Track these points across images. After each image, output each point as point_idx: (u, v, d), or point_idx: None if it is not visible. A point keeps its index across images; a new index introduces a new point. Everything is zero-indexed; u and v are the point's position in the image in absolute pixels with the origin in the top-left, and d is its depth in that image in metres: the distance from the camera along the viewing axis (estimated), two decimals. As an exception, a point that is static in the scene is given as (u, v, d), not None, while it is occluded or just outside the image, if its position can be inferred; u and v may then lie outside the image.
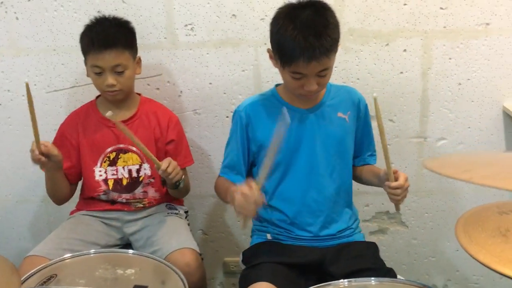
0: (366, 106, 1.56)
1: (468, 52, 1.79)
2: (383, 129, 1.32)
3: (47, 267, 1.30)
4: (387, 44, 1.80)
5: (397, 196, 1.36)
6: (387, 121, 1.88)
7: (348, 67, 1.83)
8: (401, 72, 1.83)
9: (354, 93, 1.55)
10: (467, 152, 1.66)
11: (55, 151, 1.52)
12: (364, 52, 1.81)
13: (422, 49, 1.79)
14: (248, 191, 1.25)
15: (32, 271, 1.27)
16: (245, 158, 1.52)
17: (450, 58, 1.80)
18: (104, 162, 1.70)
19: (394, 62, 1.81)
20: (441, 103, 1.85)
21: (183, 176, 1.64)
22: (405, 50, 1.80)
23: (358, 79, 1.84)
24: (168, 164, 1.52)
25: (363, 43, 1.80)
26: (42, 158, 1.50)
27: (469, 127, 1.87)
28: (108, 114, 1.43)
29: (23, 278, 1.23)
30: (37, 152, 1.48)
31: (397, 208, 1.43)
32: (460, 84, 1.82)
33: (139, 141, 1.46)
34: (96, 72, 1.60)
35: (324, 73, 1.36)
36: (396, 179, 1.36)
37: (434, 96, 1.84)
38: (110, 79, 1.59)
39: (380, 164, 1.60)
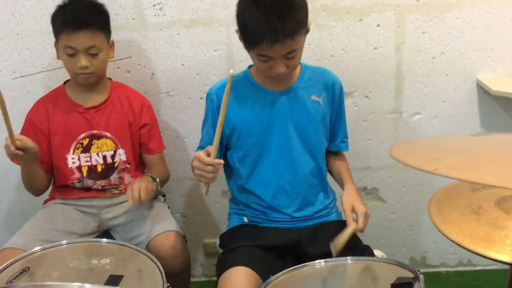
0: (341, 89, 1.54)
1: (441, 25, 1.77)
2: None
3: (18, 260, 1.27)
4: (360, 20, 1.77)
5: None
6: (363, 97, 1.87)
7: (322, 44, 1.80)
8: (375, 48, 1.81)
9: (330, 75, 1.53)
10: (436, 137, 1.65)
11: (31, 143, 1.48)
12: (337, 28, 1.78)
13: (395, 23, 1.77)
14: (202, 155, 1.26)
15: (4, 265, 1.24)
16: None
17: (423, 32, 1.79)
18: (77, 149, 1.66)
19: (368, 38, 1.79)
20: (415, 77, 1.84)
21: (157, 189, 1.65)
22: (378, 25, 1.78)
23: (332, 56, 1.82)
24: (137, 192, 1.52)
25: (336, 19, 1.77)
26: (19, 153, 1.45)
27: (443, 101, 1.87)
28: None
29: (-5, 273, 1.20)
30: (13, 148, 1.43)
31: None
32: (434, 58, 1.82)
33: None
34: (69, 53, 1.55)
35: (291, 55, 1.32)
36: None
37: (408, 71, 1.83)
38: (84, 61, 1.54)
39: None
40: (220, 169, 1.56)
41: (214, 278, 2.15)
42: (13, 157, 1.47)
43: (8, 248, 1.49)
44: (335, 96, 1.52)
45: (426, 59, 1.82)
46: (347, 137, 1.61)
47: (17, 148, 1.44)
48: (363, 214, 1.36)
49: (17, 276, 1.21)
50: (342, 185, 1.51)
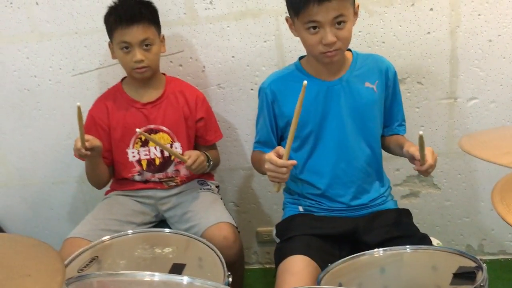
0: (395, 74, 1.52)
1: (498, 7, 1.71)
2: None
3: (88, 249, 1.34)
4: (413, 4, 1.73)
5: (428, 173, 1.34)
6: (416, 84, 1.84)
7: (373, 30, 1.78)
8: (428, 32, 1.77)
9: (382, 61, 1.51)
10: (507, 127, 1.59)
11: (97, 142, 1.57)
12: (389, 14, 1.75)
13: (449, 7, 1.72)
14: (275, 157, 1.28)
15: (74, 254, 1.31)
16: (274, 134, 1.53)
17: (479, 15, 1.73)
18: (136, 143, 1.72)
19: (421, 23, 1.75)
20: (471, 61, 1.79)
21: (209, 166, 1.70)
22: (431, 9, 1.73)
23: (383, 42, 1.79)
24: (192, 162, 1.57)
25: (387, 5, 1.74)
26: (88, 153, 1.54)
27: (501, 85, 1.81)
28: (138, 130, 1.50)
29: (66, 262, 1.27)
30: (83, 150, 1.52)
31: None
32: (490, 41, 1.75)
33: (161, 143, 1.58)
34: (124, 48, 1.60)
35: (339, 19, 1.31)
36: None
37: (463, 55, 1.78)
38: (139, 55, 1.60)
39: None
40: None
41: (268, 266, 2.22)
42: (82, 157, 1.56)
43: (72, 238, 1.57)
44: (389, 81, 1.51)
45: (482, 42, 1.76)
46: (404, 121, 1.59)
47: (86, 149, 1.52)
48: (433, 156, 1.33)
49: (87, 264, 1.28)
50: (402, 147, 1.45)
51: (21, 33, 1.89)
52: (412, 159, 1.36)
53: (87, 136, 1.53)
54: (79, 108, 1.44)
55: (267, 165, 1.31)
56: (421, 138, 1.25)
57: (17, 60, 1.93)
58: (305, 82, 1.21)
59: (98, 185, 1.77)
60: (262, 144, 1.56)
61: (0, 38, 1.90)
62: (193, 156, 1.59)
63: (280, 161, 1.28)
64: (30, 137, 2.04)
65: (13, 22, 1.87)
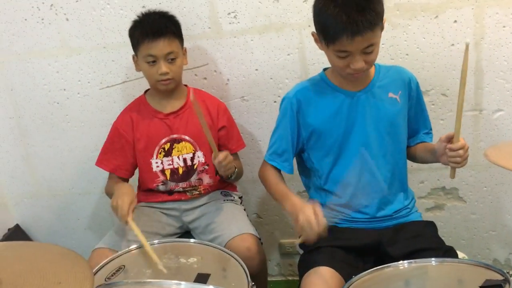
0: (417, 84, 1.53)
1: (524, 18, 1.70)
2: (464, 84, 1.28)
3: (115, 258, 1.37)
4: (436, 17, 1.73)
5: (459, 157, 1.34)
6: (440, 96, 1.83)
7: (396, 43, 1.78)
8: (452, 44, 1.76)
9: (404, 72, 1.52)
10: None
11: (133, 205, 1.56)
12: (412, 26, 1.76)
13: (473, 19, 1.72)
14: (314, 220, 1.26)
15: (101, 263, 1.34)
16: (294, 145, 1.53)
17: (504, 26, 1.72)
18: (160, 153, 1.75)
19: (445, 35, 1.75)
20: (496, 73, 1.78)
21: (235, 170, 1.69)
22: (455, 21, 1.73)
23: (407, 54, 1.79)
24: (224, 158, 1.56)
25: (410, 17, 1.75)
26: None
27: (527, 97, 1.79)
28: (191, 97, 1.43)
29: (94, 270, 1.30)
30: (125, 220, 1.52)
31: (453, 175, 1.40)
32: (516, 52, 1.74)
33: (207, 127, 1.48)
34: (150, 61, 1.64)
35: (370, 49, 1.34)
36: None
37: (488, 66, 1.77)
38: (164, 67, 1.63)
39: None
40: (295, 171, 1.60)
41: (291, 278, 2.22)
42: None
43: (100, 248, 1.60)
44: (411, 91, 1.52)
45: (507, 54, 1.75)
46: (431, 130, 1.60)
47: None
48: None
49: (114, 273, 1.30)
50: (431, 150, 1.46)
51: (51, 48, 1.95)
52: (444, 145, 1.35)
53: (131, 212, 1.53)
54: None
55: (302, 221, 1.27)
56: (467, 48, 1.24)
57: (47, 74, 1.99)
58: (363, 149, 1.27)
59: None
60: (277, 155, 1.54)
61: (31, 53, 1.97)
62: (223, 153, 1.58)
63: (316, 228, 1.25)
64: (59, 149, 2.10)
65: (44, 38, 1.94)
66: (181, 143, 1.75)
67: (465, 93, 1.30)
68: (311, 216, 1.27)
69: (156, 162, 1.75)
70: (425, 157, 1.55)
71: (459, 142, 1.33)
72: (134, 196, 1.59)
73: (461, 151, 1.33)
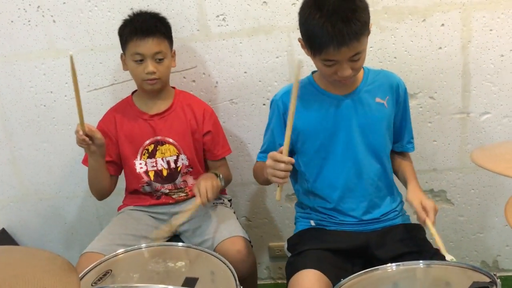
0: (405, 90, 1.54)
1: (510, 22, 1.72)
2: None
3: (102, 263, 1.35)
4: (424, 20, 1.75)
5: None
6: (428, 99, 1.84)
7: (384, 46, 1.79)
8: (440, 48, 1.77)
9: (393, 77, 1.53)
10: None
11: (98, 134, 1.58)
12: (400, 29, 1.77)
13: (461, 22, 1.74)
14: (275, 152, 1.33)
15: (88, 268, 1.32)
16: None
17: (491, 30, 1.73)
18: (144, 154, 1.74)
19: (432, 38, 1.76)
20: (483, 76, 1.79)
21: (222, 186, 1.70)
22: (443, 25, 1.75)
23: (395, 57, 1.80)
24: (204, 196, 1.57)
25: (398, 21, 1.76)
26: (86, 139, 1.55)
27: (514, 99, 1.81)
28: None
29: (81, 275, 1.29)
30: (81, 132, 1.54)
31: None
32: (502, 55, 1.76)
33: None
34: (137, 60, 1.63)
35: (356, 57, 1.34)
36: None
37: (475, 70, 1.79)
38: (151, 66, 1.63)
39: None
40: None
41: (280, 281, 2.22)
42: (81, 142, 1.57)
43: (88, 253, 1.58)
44: (399, 97, 1.52)
45: (494, 57, 1.77)
46: (413, 138, 1.60)
47: (86, 135, 1.54)
48: (432, 209, 1.35)
49: (100, 278, 1.29)
50: (406, 184, 1.50)
51: (38, 50, 1.93)
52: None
53: (89, 125, 1.56)
54: (71, 57, 1.41)
55: (268, 162, 1.34)
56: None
57: (34, 76, 1.97)
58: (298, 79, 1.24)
59: (97, 192, 1.76)
60: (267, 154, 1.56)
61: (18, 55, 1.95)
62: (201, 189, 1.58)
63: (279, 155, 1.32)
64: (46, 152, 2.08)
65: (31, 40, 1.92)
66: (164, 145, 1.73)
67: None
68: (273, 153, 1.34)
69: (140, 163, 1.74)
70: (401, 180, 1.58)
71: (430, 218, 1.35)
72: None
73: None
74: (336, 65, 1.35)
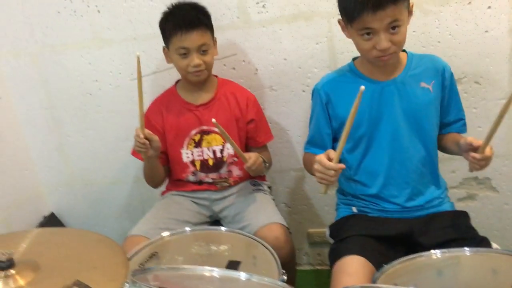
0: (451, 74, 1.50)
1: (562, 2, 1.65)
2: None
3: (148, 245, 1.40)
4: (469, 3, 1.70)
5: (478, 166, 1.32)
6: (473, 84, 1.79)
7: (428, 30, 1.75)
8: (486, 31, 1.72)
9: (438, 61, 1.49)
10: None
11: (155, 137, 1.59)
12: (444, 13, 1.72)
13: (508, 4, 1.68)
14: (324, 159, 1.28)
15: (135, 250, 1.37)
16: (328, 135, 1.53)
17: (541, 11, 1.67)
18: (190, 144, 1.77)
19: (478, 21, 1.71)
20: (531, 60, 1.73)
21: (266, 166, 1.70)
22: (489, 7, 1.69)
23: (439, 42, 1.76)
24: (253, 163, 1.58)
25: (442, 4, 1.71)
26: (147, 142, 1.56)
27: None
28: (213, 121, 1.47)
29: (129, 256, 1.33)
30: (142, 135, 1.54)
31: (471, 170, 1.37)
32: (553, 38, 1.69)
33: (234, 143, 1.52)
34: (182, 54, 1.65)
35: (394, 24, 1.30)
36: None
37: (524, 53, 1.73)
38: (197, 59, 1.64)
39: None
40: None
41: (319, 267, 2.22)
42: (141, 146, 1.56)
43: (133, 236, 1.62)
44: (445, 81, 1.49)
45: (543, 40, 1.70)
46: (465, 120, 1.56)
47: (145, 138, 1.55)
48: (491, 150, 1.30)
49: (147, 260, 1.33)
50: (457, 142, 1.42)
51: (84, 40, 1.99)
52: (468, 148, 1.32)
53: (147, 130, 1.57)
54: (138, 58, 1.44)
55: (316, 166, 1.31)
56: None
57: (80, 65, 2.03)
58: (362, 87, 1.20)
59: (155, 184, 1.82)
60: (313, 144, 1.57)
61: (64, 45, 2.01)
62: (253, 157, 1.60)
63: (328, 163, 1.28)
64: (91, 139, 2.15)
65: (77, 30, 1.98)
66: (210, 134, 1.76)
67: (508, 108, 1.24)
68: (322, 156, 1.30)
69: (186, 153, 1.77)
70: (451, 148, 1.52)
71: (483, 154, 1.29)
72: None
73: (482, 162, 1.31)
74: (374, 37, 1.32)
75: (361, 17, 1.29)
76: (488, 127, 1.82)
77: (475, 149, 1.30)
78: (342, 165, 1.29)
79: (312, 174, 1.57)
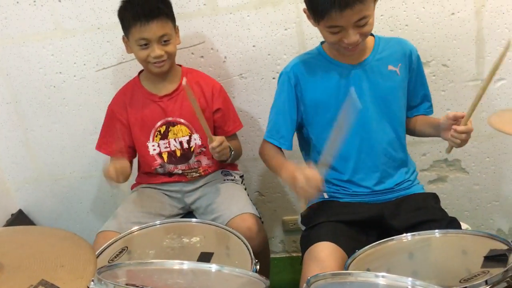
0: (418, 57, 1.51)
1: (526, -17, 1.66)
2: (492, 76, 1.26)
3: (118, 240, 1.37)
4: (436, -15, 1.70)
5: (460, 140, 1.33)
6: (441, 66, 1.81)
7: (395, 14, 1.75)
8: (453, 13, 1.73)
9: (405, 44, 1.49)
10: None
11: (126, 164, 1.64)
12: (411, -4, 1.73)
13: (474, -14, 1.69)
14: (312, 177, 1.23)
15: (104, 245, 1.34)
16: (293, 120, 1.50)
17: (505, -7, 1.69)
18: (156, 136, 1.73)
19: (444, 3, 1.72)
20: (498, 41, 1.75)
21: (231, 153, 1.66)
22: (455, -11, 1.70)
23: (406, 25, 1.76)
24: (218, 144, 1.54)
25: (409, -13, 1.72)
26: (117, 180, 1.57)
27: (530, 65, 1.77)
28: (184, 84, 1.42)
29: (97, 252, 1.30)
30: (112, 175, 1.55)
31: (449, 151, 1.41)
32: (518, 19, 1.71)
33: (201, 113, 1.46)
34: (142, 45, 1.60)
35: (362, 22, 1.30)
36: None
37: (490, 35, 1.74)
38: (158, 50, 1.59)
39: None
40: (296, 147, 1.59)
41: (294, 254, 2.23)
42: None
43: (105, 231, 1.59)
44: (412, 64, 1.49)
45: (509, 22, 1.72)
46: (430, 102, 1.57)
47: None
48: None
49: (117, 255, 1.30)
50: (433, 125, 1.46)
51: (45, 31, 1.92)
52: (451, 123, 1.34)
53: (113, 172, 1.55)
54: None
55: (301, 180, 1.23)
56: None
57: (42, 57, 1.96)
58: (352, 88, 1.20)
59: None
60: (274, 132, 1.52)
61: (25, 36, 1.94)
62: (218, 138, 1.56)
63: (315, 179, 1.22)
64: (58, 133, 2.09)
65: (37, 20, 1.91)
66: (176, 126, 1.72)
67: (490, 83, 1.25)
68: (309, 172, 1.24)
69: (153, 145, 1.74)
70: (424, 130, 1.53)
71: (465, 126, 1.31)
72: (127, 165, 1.63)
73: (464, 135, 1.32)
74: (341, 32, 1.31)
75: (329, 16, 1.28)
76: (457, 109, 1.85)
77: (458, 122, 1.32)
78: (324, 188, 1.28)
79: (270, 168, 1.54)
